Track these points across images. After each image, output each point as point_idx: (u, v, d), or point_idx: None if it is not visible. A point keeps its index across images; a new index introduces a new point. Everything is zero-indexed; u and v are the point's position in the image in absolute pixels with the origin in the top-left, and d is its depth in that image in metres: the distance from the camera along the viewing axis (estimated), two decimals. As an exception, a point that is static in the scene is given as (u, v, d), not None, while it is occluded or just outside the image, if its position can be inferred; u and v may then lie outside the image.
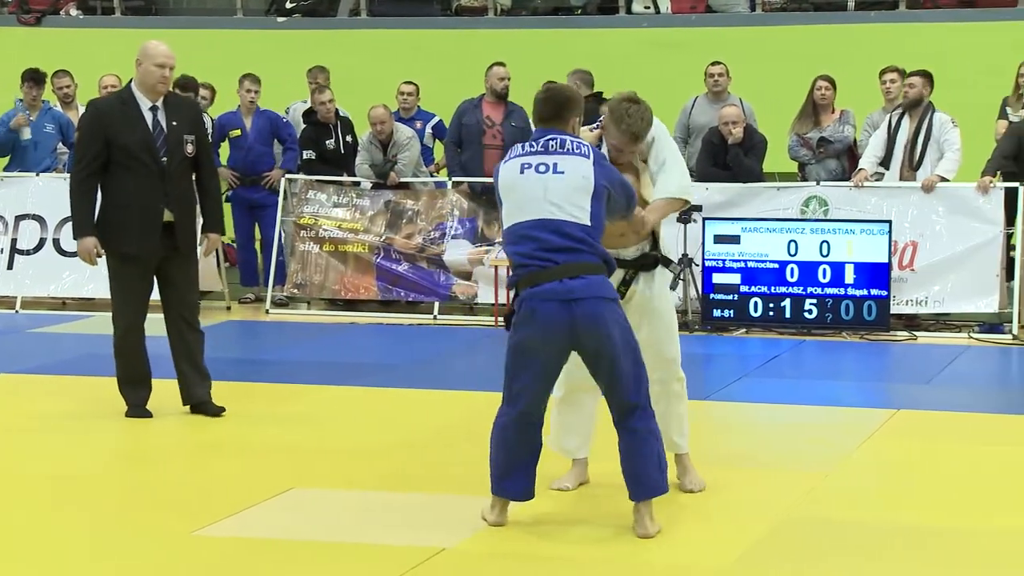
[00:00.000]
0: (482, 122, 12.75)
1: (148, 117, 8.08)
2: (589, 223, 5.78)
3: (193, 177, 8.32)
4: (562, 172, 5.79)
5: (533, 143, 5.93)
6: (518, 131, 12.65)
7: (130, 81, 8.21)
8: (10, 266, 12.79)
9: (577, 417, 6.65)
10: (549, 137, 5.89)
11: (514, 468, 5.99)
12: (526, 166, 5.85)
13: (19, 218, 12.89)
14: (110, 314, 8.31)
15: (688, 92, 12.95)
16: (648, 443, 5.90)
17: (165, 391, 8.34)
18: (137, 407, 8.22)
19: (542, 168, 5.81)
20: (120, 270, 8.19)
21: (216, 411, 8.32)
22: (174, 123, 8.13)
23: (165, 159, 8.07)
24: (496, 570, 5.69)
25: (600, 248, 5.85)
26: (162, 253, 8.15)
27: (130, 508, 6.66)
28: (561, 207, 5.76)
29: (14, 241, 12.86)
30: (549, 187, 5.78)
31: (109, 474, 7.40)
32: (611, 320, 5.83)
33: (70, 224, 9.07)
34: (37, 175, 12.94)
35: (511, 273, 6.04)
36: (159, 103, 8.12)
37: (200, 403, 8.33)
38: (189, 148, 8.18)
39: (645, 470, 5.88)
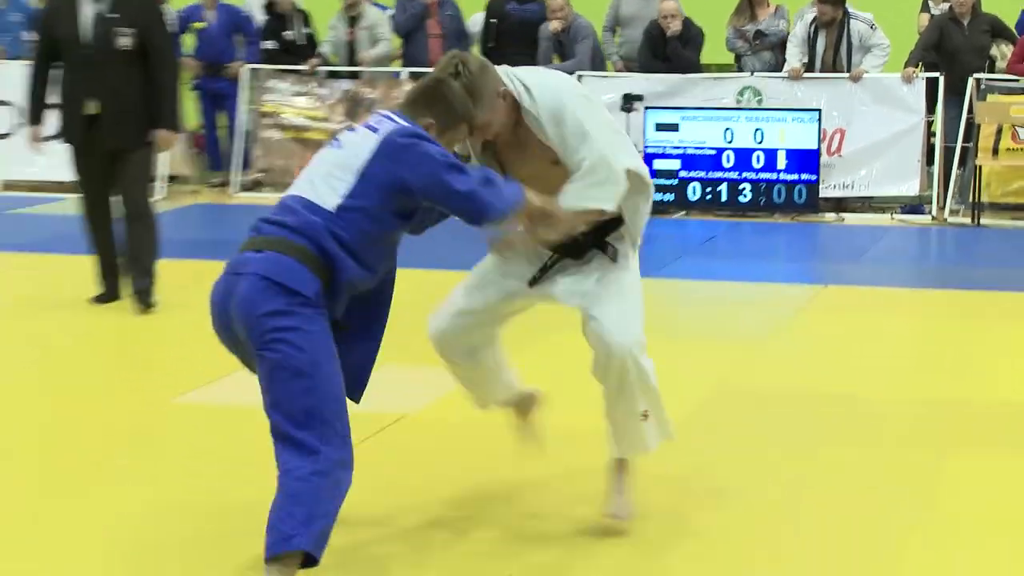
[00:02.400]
0: (425, 9, 12.82)
1: (88, 10, 7.58)
2: (332, 210, 4.00)
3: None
4: (340, 147, 4.16)
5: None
6: (453, 19, 12.78)
7: None
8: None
9: (475, 373, 4.90)
10: (377, 114, 4.27)
11: None
12: (332, 142, 4.29)
13: (-7, 104, 12.76)
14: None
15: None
16: (283, 488, 3.92)
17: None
18: (108, 291, 7.93)
19: (335, 143, 4.21)
20: (71, 160, 7.84)
21: (147, 304, 7.78)
22: (113, 15, 7.57)
23: (93, 50, 7.58)
24: (456, 436, 5.72)
25: (327, 241, 3.99)
26: (101, 146, 7.66)
27: (107, 381, 6.65)
28: (314, 185, 4.08)
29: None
30: (322, 163, 4.16)
31: (82, 352, 7.34)
32: (273, 322, 3.92)
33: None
34: (7, 60, 12.83)
35: None
36: None
37: (136, 292, 7.84)
38: (122, 41, 7.57)
39: (276, 518, 3.89)
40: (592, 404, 4.69)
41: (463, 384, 4.95)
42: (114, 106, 7.60)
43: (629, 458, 4.74)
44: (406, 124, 4.12)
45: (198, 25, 13.09)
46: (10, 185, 12.56)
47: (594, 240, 4.54)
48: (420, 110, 4.20)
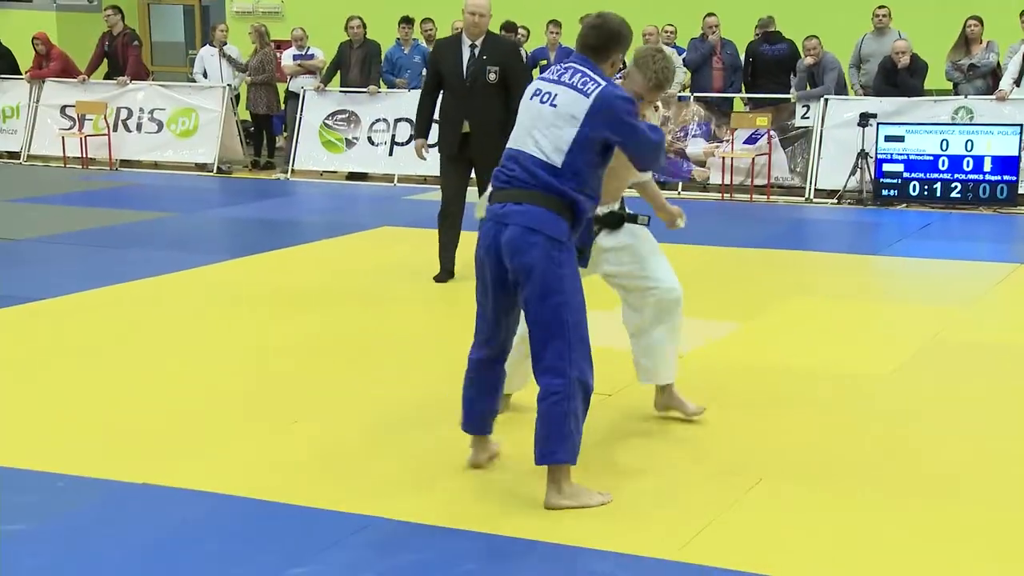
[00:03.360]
0: (711, 49, 12.50)
1: (466, 52, 7.37)
2: (559, 166, 3.79)
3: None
4: (555, 106, 3.83)
5: (559, 68, 3.95)
6: (732, 57, 12.50)
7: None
8: (391, 153, 13.15)
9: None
10: (572, 66, 3.90)
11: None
12: (536, 92, 3.93)
13: (397, 120, 13.16)
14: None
15: (863, 29, 12.32)
16: (545, 412, 3.81)
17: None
18: (444, 271, 7.61)
19: (545, 97, 3.88)
20: (442, 165, 7.60)
21: None
22: (484, 57, 7.34)
23: (469, 83, 7.34)
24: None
25: (566, 190, 3.80)
26: (469, 156, 7.40)
27: (452, 330, 6.60)
28: (538, 142, 3.83)
29: (393, 136, 13.18)
30: (538, 118, 3.87)
31: (429, 309, 7.30)
32: (537, 257, 3.77)
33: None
34: (408, 90, 13.15)
35: None
36: (478, 42, 7.36)
37: None
38: (491, 76, 7.32)
39: (539, 436, 3.85)
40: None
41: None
42: (481, 126, 7.42)
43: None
44: (604, 82, 3.83)
45: (543, 62, 13.17)
46: (403, 178, 12.93)
47: (626, 216, 4.56)
48: (608, 49, 3.92)
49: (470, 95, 7.39)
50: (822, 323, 6.56)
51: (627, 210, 4.60)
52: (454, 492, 4.02)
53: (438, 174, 7.84)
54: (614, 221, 4.52)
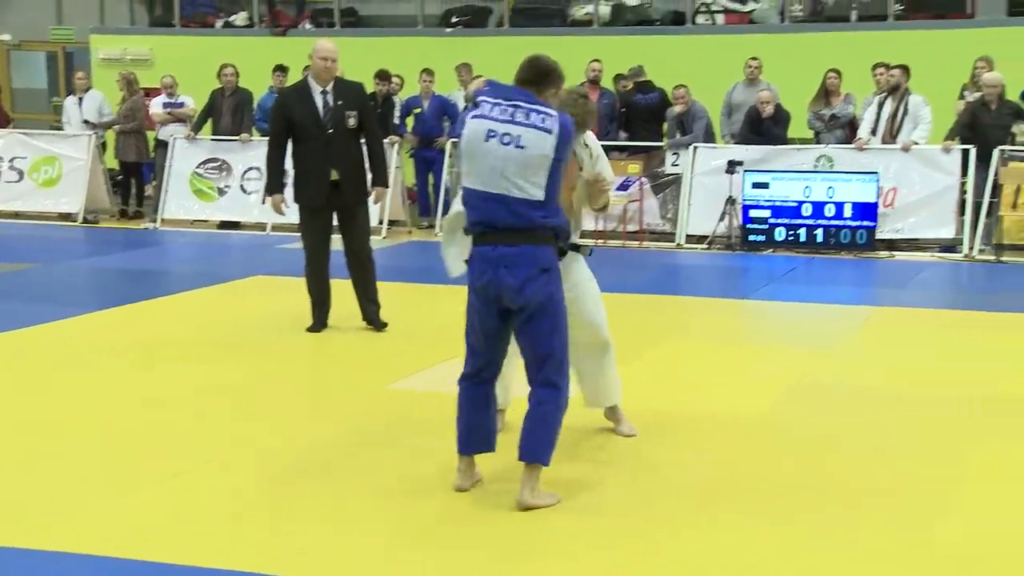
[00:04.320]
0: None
1: (319, 99, 7.21)
2: (542, 198, 4.13)
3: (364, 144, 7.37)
4: (523, 147, 4.09)
5: (504, 105, 4.16)
6: (608, 105, 12.70)
7: (308, 73, 7.49)
8: (264, 201, 12.80)
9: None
10: (518, 105, 4.15)
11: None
12: (492, 134, 4.13)
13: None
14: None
15: (730, 80, 12.73)
16: (540, 415, 4.25)
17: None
18: (317, 323, 7.50)
19: (506, 139, 4.10)
20: (305, 219, 7.38)
21: (380, 326, 7.48)
22: (339, 102, 7.22)
23: (331, 130, 7.20)
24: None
25: (551, 220, 4.19)
26: (336, 205, 7.29)
27: (329, 378, 6.51)
28: (517, 184, 4.11)
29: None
30: (508, 162, 4.10)
31: (304, 359, 7.24)
32: (547, 293, 4.19)
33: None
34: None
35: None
36: (328, 88, 7.23)
37: (369, 320, 7.54)
38: (351, 121, 7.23)
39: (531, 436, 4.25)
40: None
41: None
42: (347, 172, 7.27)
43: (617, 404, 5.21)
44: (555, 114, 4.16)
45: (417, 110, 13.27)
46: (276, 227, 12.74)
47: (570, 246, 4.69)
48: (540, 85, 4.24)
49: (331, 143, 7.22)
50: (696, 365, 6.73)
51: (572, 240, 4.75)
52: (335, 547, 3.99)
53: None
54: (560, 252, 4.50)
